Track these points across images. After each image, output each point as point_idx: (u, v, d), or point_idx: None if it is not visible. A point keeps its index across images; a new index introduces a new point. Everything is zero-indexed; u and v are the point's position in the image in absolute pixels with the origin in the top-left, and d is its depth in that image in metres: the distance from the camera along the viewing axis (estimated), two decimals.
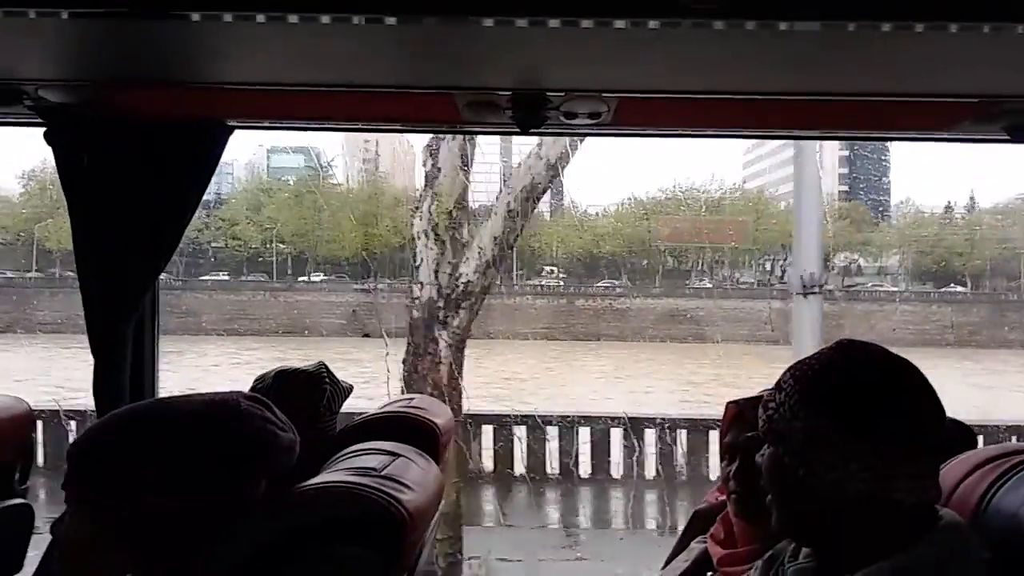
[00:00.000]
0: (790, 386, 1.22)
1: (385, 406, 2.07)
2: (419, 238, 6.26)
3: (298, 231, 35.07)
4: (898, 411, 1.15)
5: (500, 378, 21.00)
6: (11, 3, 1.08)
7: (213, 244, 35.77)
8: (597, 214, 37.92)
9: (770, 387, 1.30)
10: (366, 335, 29.05)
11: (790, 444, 1.19)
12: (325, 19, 1.11)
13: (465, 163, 6.28)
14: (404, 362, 6.34)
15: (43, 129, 1.92)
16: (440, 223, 6.14)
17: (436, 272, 6.15)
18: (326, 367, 1.90)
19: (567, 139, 5.87)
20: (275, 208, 35.70)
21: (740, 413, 1.69)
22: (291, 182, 37.88)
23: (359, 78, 1.56)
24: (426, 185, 6.33)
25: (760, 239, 34.08)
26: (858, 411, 1.15)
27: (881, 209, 38.45)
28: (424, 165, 6.33)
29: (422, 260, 6.22)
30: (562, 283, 33.51)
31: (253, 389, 1.84)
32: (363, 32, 1.18)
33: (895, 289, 32.33)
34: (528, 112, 1.62)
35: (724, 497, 1.79)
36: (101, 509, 1.25)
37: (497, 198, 6.46)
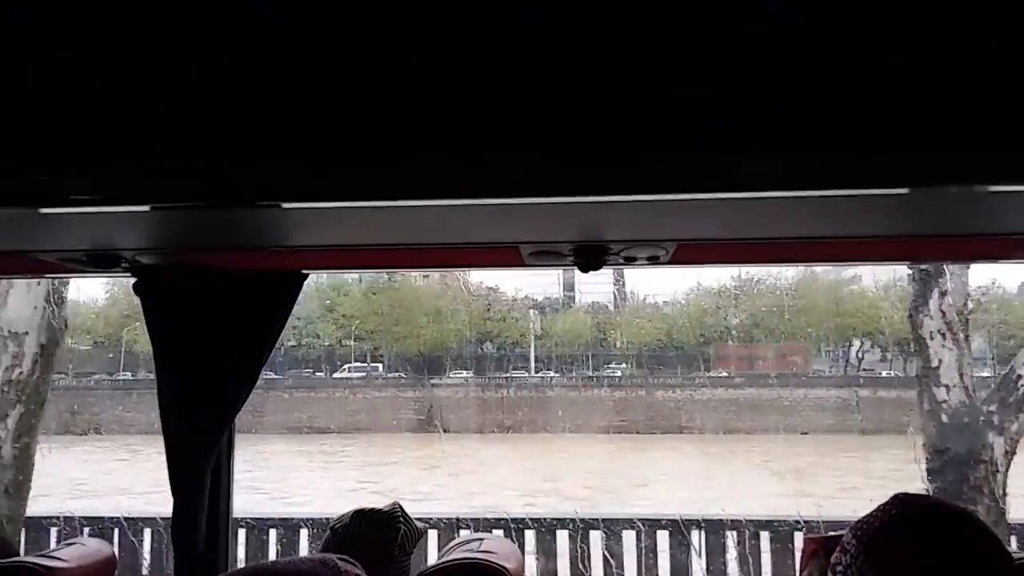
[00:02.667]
0: (854, 547, 1.25)
1: (452, 547, 2.11)
2: (932, 338, 6.04)
3: (372, 328, 35.67)
4: (962, 564, 1.17)
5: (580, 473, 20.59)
6: (116, 201, 1.21)
7: (288, 343, 36.51)
8: (661, 303, 37.82)
9: (849, 528, 1.34)
10: (446, 430, 29.06)
11: None
12: (405, 204, 1.21)
13: None
14: (931, 471, 5.97)
15: (133, 280, 2.04)
16: (955, 321, 5.95)
17: (961, 374, 5.94)
18: (401, 508, 1.99)
19: None
20: (351, 305, 36.46)
21: (816, 552, 1.68)
22: (348, 279, 38.78)
23: (429, 239, 1.67)
24: (920, 281, 6.06)
25: (841, 326, 33.46)
26: (922, 568, 1.17)
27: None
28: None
29: (940, 361, 6.01)
30: (635, 375, 33.13)
31: (332, 528, 1.96)
32: (436, 208, 1.28)
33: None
34: (589, 259, 1.72)
35: None
36: None
37: None
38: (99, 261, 1.83)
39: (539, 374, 33.67)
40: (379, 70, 1.07)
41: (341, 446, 25.25)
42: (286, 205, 1.24)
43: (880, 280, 35.58)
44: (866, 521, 1.27)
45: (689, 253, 1.74)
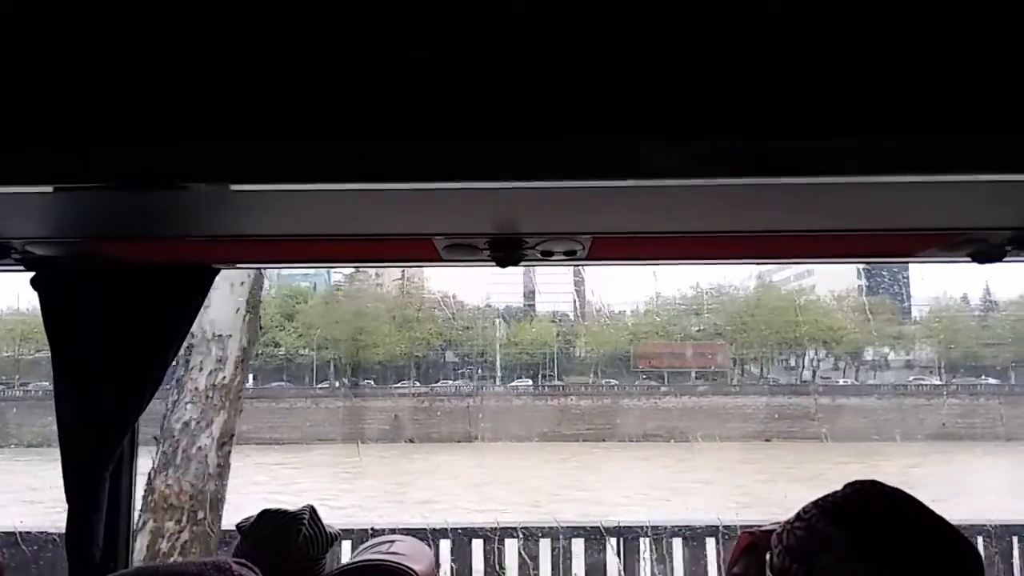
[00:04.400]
0: (812, 515, 1.24)
1: (363, 549, 2.05)
2: None
3: (333, 336, 35.11)
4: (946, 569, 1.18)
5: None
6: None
7: None
8: (624, 312, 38.22)
9: (782, 521, 1.34)
10: (410, 440, 28.77)
11: None
12: (311, 187, 1.19)
13: None
14: None
15: (31, 274, 1.93)
16: None
17: None
18: (311, 510, 1.97)
19: None
20: (312, 314, 35.83)
21: (754, 544, 1.63)
22: (303, 286, 38.18)
23: (339, 229, 1.64)
24: None
25: (799, 335, 34.22)
26: (886, 536, 1.18)
27: (902, 302, 38.83)
28: None
29: None
30: (603, 384, 33.36)
31: (238, 527, 1.95)
32: (343, 193, 1.26)
33: (939, 382, 32.26)
34: (506, 252, 1.70)
35: None
36: None
37: None
38: None
39: (505, 383, 33.67)
40: (286, 53, 1.06)
41: (342, 457, 24.72)
42: (191, 187, 1.19)
43: (835, 290, 36.69)
44: (842, 512, 1.25)
45: (606, 248, 1.73)
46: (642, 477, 20.82)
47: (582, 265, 1.91)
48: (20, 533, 7.80)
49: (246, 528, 1.91)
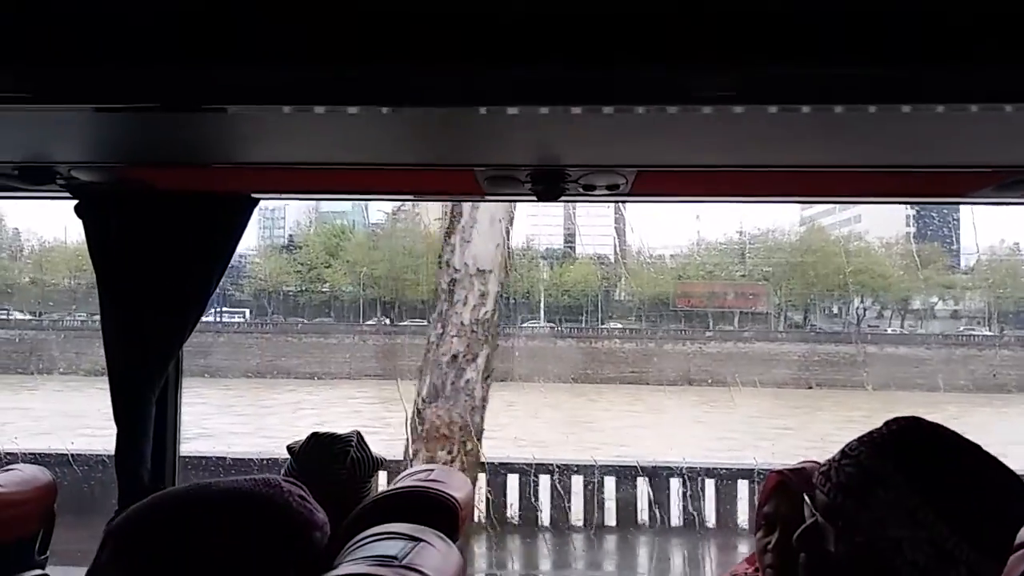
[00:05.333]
0: (895, 477, 1.20)
1: (403, 477, 2.07)
2: None
3: (376, 275, 35.35)
4: (1006, 520, 1.15)
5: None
6: (45, 98, 1.13)
7: (285, 287, 36.23)
8: (664, 256, 37.90)
9: (814, 460, 1.33)
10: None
11: (891, 534, 1.17)
12: (352, 110, 1.17)
13: None
14: None
15: (75, 202, 1.97)
16: None
17: None
18: (358, 435, 1.99)
19: None
20: (356, 252, 36.11)
21: (783, 483, 1.60)
22: (341, 224, 38.32)
23: (380, 158, 1.61)
24: None
25: (844, 282, 33.69)
26: (981, 522, 1.15)
27: (952, 248, 37.91)
28: None
29: None
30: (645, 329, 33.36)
31: (288, 448, 1.99)
32: (385, 118, 1.24)
33: (989, 333, 31.71)
34: (547, 185, 1.66)
35: (752, 570, 1.72)
36: None
37: None
38: (32, 176, 1.71)
39: (549, 323, 33.84)
40: None
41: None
42: (232, 110, 1.18)
43: (883, 237, 35.92)
44: (891, 449, 1.25)
45: (650, 182, 1.68)
46: (720, 422, 20.93)
47: (624, 201, 1.90)
48: (72, 455, 8.16)
49: (296, 449, 1.97)
